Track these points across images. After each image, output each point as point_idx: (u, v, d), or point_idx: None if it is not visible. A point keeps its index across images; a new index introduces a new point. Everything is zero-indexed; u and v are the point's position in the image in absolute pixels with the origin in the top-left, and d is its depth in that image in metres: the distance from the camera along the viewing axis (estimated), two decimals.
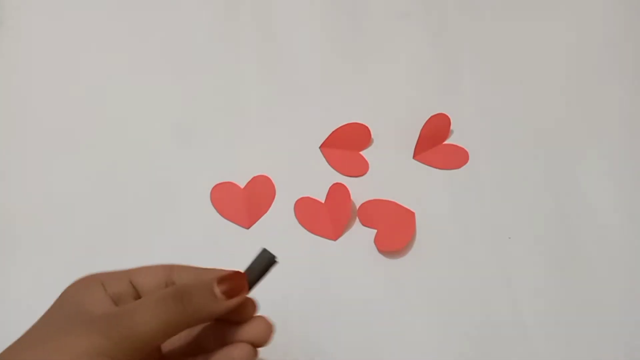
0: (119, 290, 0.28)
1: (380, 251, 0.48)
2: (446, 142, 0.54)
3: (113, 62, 0.57)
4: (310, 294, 0.46)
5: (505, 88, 0.57)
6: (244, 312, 0.30)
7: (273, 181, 0.51)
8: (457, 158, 0.53)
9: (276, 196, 0.50)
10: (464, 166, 0.52)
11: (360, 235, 0.49)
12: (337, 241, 0.49)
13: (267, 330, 0.30)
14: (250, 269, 0.29)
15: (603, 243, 0.49)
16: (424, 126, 0.53)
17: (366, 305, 0.46)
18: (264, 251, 0.29)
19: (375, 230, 0.49)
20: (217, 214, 0.49)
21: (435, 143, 0.54)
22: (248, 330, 0.30)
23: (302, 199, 0.50)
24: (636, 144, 0.54)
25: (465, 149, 0.53)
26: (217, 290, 0.28)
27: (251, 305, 0.30)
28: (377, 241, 0.48)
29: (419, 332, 0.45)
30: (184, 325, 0.27)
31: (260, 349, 0.30)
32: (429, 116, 0.53)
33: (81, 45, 0.58)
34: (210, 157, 0.52)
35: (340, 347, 0.44)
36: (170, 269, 0.30)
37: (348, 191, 0.49)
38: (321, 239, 0.48)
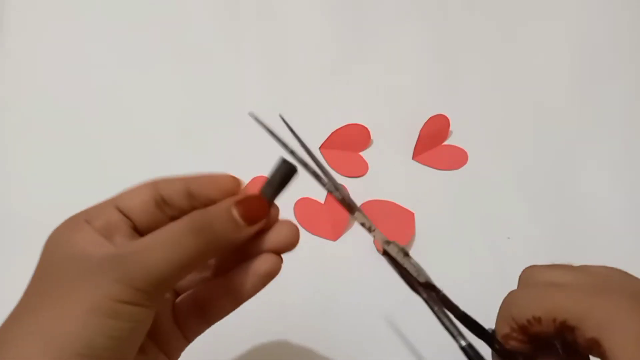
0: (107, 221, 0.25)
1: (380, 251, 0.48)
2: (445, 142, 0.54)
3: (115, 63, 0.57)
4: (310, 294, 0.46)
5: (505, 88, 0.57)
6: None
7: None
8: (456, 159, 0.53)
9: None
10: (464, 167, 0.53)
11: (360, 236, 0.49)
12: (337, 241, 0.49)
13: (293, 234, 0.28)
14: (269, 182, 0.27)
15: (603, 243, 0.49)
16: (423, 127, 0.53)
17: (366, 305, 0.46)
18: (284, 161, 0.27)
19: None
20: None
21: (434, 144, 0.54)
22: (271, 239, 0.27)
23: (301, 199, 0.50)
24: (636, 144, 0.54)
25: (465, 149, 0.53)
26: (237, 216, 0.25)
27: (273, 211, 0.28)
28: (377, 241, 0.48)
29: (419, 332, 0.45)
30: (205, 258, 0.25)
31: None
32: (429, 117, 0.53)
33: (83, 46, 0.58)
34: (210, 157, 0.52)
35: (340, 347, 0.44)
36: (154, 185, 0.27)
37: (348, 192, 0.49)
38: (321, 239, 0.48)
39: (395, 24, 0.60)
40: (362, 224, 0.27)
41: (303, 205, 0.50)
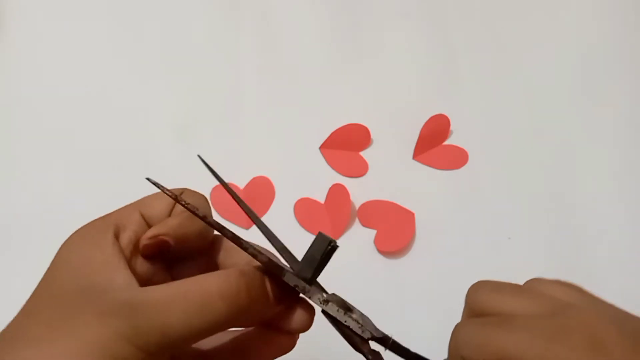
0: (133, 233, 0.24)
1: (380, 251, 0.48)
2: (446, 142, 0.54)
3: (112, 64, 0.57)
4: None
5: (505, 88, 0.57)
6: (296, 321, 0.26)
7: (273, 182, 0.51)
8: (456, 158, 0.53)
9: (276, 197, 0.50)
10: (464, 167, 0.52)
11: (360, 236, 0.49)
12: (337, 241, 0.48)
13: (309, 318, 0.26)
14: (307, 259, 0.25)
15: (603, 243, 0.49)
16: (423, 127, 0.53)
17: (366, 306, 0.45)
18: (321, 236, 0.25)
19: (375, 231, 0.49)
20: (217, 215, 0.49)
21: (434, 144, 0.53)
22: (290, 319, 0.26)
23: (301, 199, 0.50)
24: (636, 144, 0.54)
25: (465, 149, 0.53)
26: (271, 292, 0.23)
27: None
28: (377, 241, 0.48)
29: (419, 332, 0.44)
30: (229, 327, 0.23)
31: None
32: (429, 117, 0.53)
33: (81, 47, 0.58)
34: (210, 158, 0.52)
35: (340, 347, 0.44)
36: (178, 193, 0.26)
37: (348, 192, 0.49)
38: None
39: (395, 24, 0.60)
40: (295, 286, 0.24)
41: (303, 206, 0.50)
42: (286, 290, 0.24)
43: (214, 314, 0.21)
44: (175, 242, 0.24)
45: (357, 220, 0.49)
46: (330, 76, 0.57)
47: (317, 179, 0.51)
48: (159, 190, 0.25)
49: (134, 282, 0.22)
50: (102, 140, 0.53)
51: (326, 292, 0.25)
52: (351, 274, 0.47)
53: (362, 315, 0.26)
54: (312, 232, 0.49)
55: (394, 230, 0.49)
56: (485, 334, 0.22)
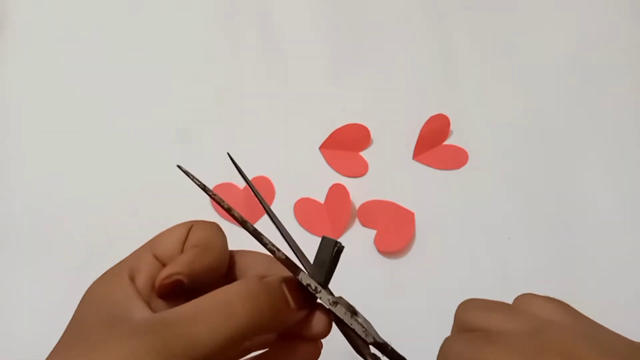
0: (147, 274, 0.24)
1: (380, 251, 0.48)
2: (446, 142, 0.54)
3: (113, 64, 0.57)
4: None
5: (505, 88, 0.57)
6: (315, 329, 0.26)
7: (272, 182, 0.51)
8: (456, 158, 0.53)
9: (276, 197, 0.50)
10: (464, 167, 0.53)
11: (360, 236, 0.49)
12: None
13: (328, 324, 0.26)
14: (317, 264, 0.26)
15: (603, 243, 0.49)
16: (423, 127, 0.53)
17: (366, 306, 0.45)
18: (327, 240, 0.26)
19: (375, 231, 0.49)
20: (217, 215, 0.49)
21: (434, 144, 0.54)
22: (310, 325, 0.26)
23: (301, 199, 0.50)
24: (636, 144, 0.54)
25: (465, 149, 0.53)
26: (288, 295, 0.24)
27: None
28: (377, 241, 0.48)
29: (419, 333, 0.44)
30: (255, 334, 0.23)
31: None
32: (429, 117, 0.53)
33: (81, 48, 0.58)
34: (210, 158, 0.52)
35: (340, 347, 0.44)
36: (188, 227, 0.26)
37: (348, 192, 0.49)
38: None
39: (395, 24, 0.60)
40: (308, 285, 0.25)
41: (303, 206, 0.50)
42: (304, 295, 0.25)
43: (237, 320, 0.21)
44: (188, 279, 0.24)
45: (357, 220, 0.49)
46: (331, 76, 0.57)
47: (317, 179, 0.51)
48: (169, 226, 0.27)
49: (145, 306, 0.23)
50: (103, 141, 0.53)
51: (333, 295, 0.26)
52: (351, 274, 0.47)
53: (365, 320, 0.27)
54: (312, 232, 0.49)
55: (394, 230, 0.49)
56: (473, 348, 0.22)
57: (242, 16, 0.60)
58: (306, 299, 0.25)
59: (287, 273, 0.26)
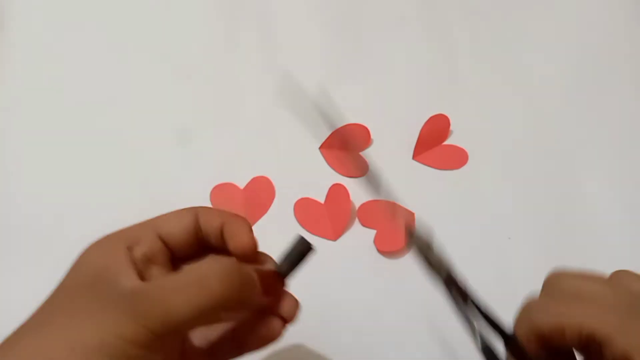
0: (147, 248, 0.25)
1: (380, 251, 0.48)
2: (446, 142, 0.54)
3: (113, 65, 0.57)
4: (309, 294, 0.46)
5: (505, 88, 0.57)
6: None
7: (273, 182, 0.51)
8: (456, 158, 0.53)
9: (276, 197, 0.50)
10: (464, 167, 0.53)
11: (360, 236, 0.49)
12: (337, 241, 0.49)
13: (295, 307, 0.29)
14: (286, 257, 0.29)
15: (603, 243, 0.49)
16: (423, 127, 0.53)
17: (366, 306, 0.45)
18: (301, 240, 0.29)
19: (375, 231, 0.49)
20: None
21: (434, 144, 0.54)
22: (278, 305, 0.29)
23: (301, 199, 0.50)
24: (636, 144, 0.54)
25: (465, 149, 0.53)
26: (258, 283, 0.26)
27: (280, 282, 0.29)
28: (377, 241, 0.48)
29: (419, 333, 0.44)
30: (224, 310, 0.24)
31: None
32: (429, 117, 0.53)
33: (82, 49, 0.58)
34: (210, 158, 0.52)
35: (340, 347, 0.44)
36: (194, 212, 0.27)
37: (348, 192, 0.49)
38: (321, 240, 0.48)
39: (395, 24, 0.60)
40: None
41: (303, 206, 0.50)
42: (272, 282, 0.28)
43: (210, 295, 0.23)
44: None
45: (357, 220, 0.49)
46: (330, 76, 0.57)
47: (317, 179, 0.51)
48: (174, 209, 0.28)
49: (136, 277, 0.24)
50: (103, 142, 0.53)
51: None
52: (351, 274, 0.47)
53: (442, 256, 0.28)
54: (312, 232, 0.49)
55: (394, 230, 0.49)
56: (564, 304, 0.24)
57: (242, 16, 0.60)
58: (275, 286, 0.28)
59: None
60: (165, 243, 0.26)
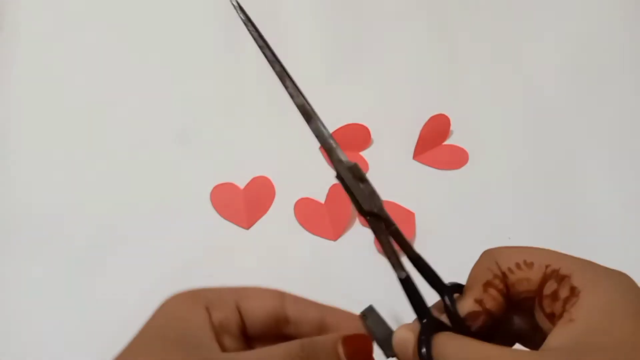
0: (224, 316, 0.25)
1: (380, 251, 0.48)
2: (446, 142, 0.54)
3: (112, 66, 0.57)
4: (310, 294, 0.46)
5: (505, 88, 0.57)
6: None
7: (273, 182, 0.51)
8: (456, 158, 0.53)
9: (276, 197, 0.50)
10: (464, 166, 0.53)
11: (360, 236, 0.49)
12: (337, 241, 0.49)
13: None
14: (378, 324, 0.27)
15: (603, 242, 0.49)
16: (423, 127, 0.53)
17: (366, 305, 0.45)
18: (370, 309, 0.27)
19: None
20: (217, 215, 0.49)
21: (435, 143, 0.54)
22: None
23: (302, 199, 0.50)
24: (636, 144, 0.54)
25: (465, 149, 0.53)
26: (342, 354, 0.25)
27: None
28: (377, 241, 0.48)
29: None
30: None
31: None
32: (429, 117, 0.53)
33: (81, 50, 0.58)
34: (211, 158, 0.52)
35: None
36: (281, 297, 0.27)
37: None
38: (321, 240, 0.48)
39: (395, 25, 0.60)
40: (317, 136, 0.27)
41: (303, 206, 0.50)
42: (365, 350, 0.25)
43: None
44: None
45: (357, 220, 0.49)
46: (331, 76, 0.57)
47: (317, 179, 0.51)
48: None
49: (213, 338, 0.24)
50: (103, 141, 0.53)
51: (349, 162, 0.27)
52: (351, 274, 0.47)
53: (371, 190, 0.27)
54: (312, 232, 0.48)
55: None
56: (530, 247, 0.25)
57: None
58: (368, 356, 0.25)
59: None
60: (242, 316, 0.26)
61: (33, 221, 0.48)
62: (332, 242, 0.48)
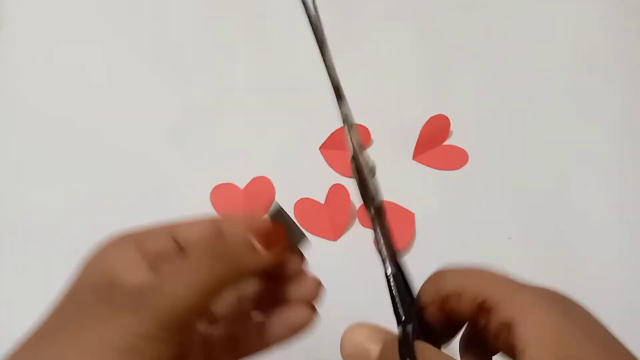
0: (160, 247, 0.25)
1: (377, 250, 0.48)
2: (446, 142, 0.54)
3: (110, 66, 0.57)
4: None
5: (505, 89, 0.57)
6: (290, 267, 0.27)
7: (273, 182, 0.51)
8: (456, 159, 0.53)
9: (276, 197, 0.50)
10: (464, 167, 0.53)
11: (360, 236, 0.49)
12: (337, 241, 0.49)
13: (316, 285, 0.28)
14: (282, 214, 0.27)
15: (602, 243, 0.49)
16: (423, 127, 0.53)
17: (366, 306, 0.45)
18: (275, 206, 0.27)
19: None
20: (217, 214, 0.49)
21: (434, 144, 0.54)
22: (299, 288, 0.27)
23: (302, 199, 0.50)
24: (633, 145, 0.54)
25: (465, 149, 0.53)
26: (255, 242, 0.25)
27: (296, 259, 0.27)
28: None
29: None
30: (223, 286, 0.24)
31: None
32: (429, 117, 0.53)
33: (80, 50, 0.58)
34: (210, 158, 0.52)
35: (339, 347, 0.44)
36: (216, 222, 0.27)
37: (348, 192, 0.49)
38: (321, 240, 0.48)
39: (395, 24, 0.60)
40: (345, 117, 0.28)
41: (303, 206, 0.50)
42: (274, 237, 0.26)
43: (205, 273, 0.23)
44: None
45: (357, 220, 0.49)
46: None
47: (317, 179, 0.51)
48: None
49: (148, 270, 0.23)
50: (100, 142, 0.53)
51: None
52: (351, 273, 0.47)
53: (379, 187, 0.29)
54: (312, 232, 0.49)
55: (394, 230, 0.49)
56: (466, 270, 0.25)
57: (239, 16, 0.60)
58: (279, 242, 0.26)
59: None
60: (180, 245, 0.26)
61: (31, 224, 0.48)
62: (332, 242, 0.48)
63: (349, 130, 0.28)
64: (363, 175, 0.28)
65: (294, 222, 0.27)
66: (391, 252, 0.27)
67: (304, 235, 0.27)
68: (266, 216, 0.27)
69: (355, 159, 0.28)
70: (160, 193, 0.50)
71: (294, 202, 0.50)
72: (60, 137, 0.52)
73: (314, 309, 0.28)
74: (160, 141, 0.53)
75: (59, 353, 0.21)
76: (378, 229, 0.28)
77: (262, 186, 0.51)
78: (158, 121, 0.54)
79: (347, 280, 0.47)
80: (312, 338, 0.44)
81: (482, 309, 0.23)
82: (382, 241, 0.28)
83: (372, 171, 0.29)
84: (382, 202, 0.28)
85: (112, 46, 0.58)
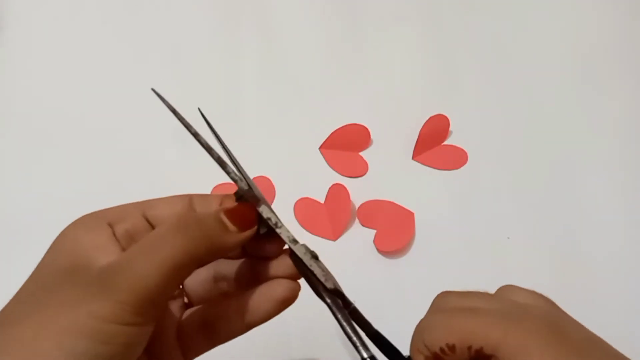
0: (130, 226, 0.24)
1: (380, 251, 0.48)
2: (445, 142, 0.54)
3: (112, 66, 0.57)
4: (309, 294, 0.46)
5: (505, 88, 0.57)
6: (269, 247, 0.27)
7: (273, 182, 0.51)
8: (456, 159, 0.53)
9: (276, 197, 0.50)
10: (463, 167, 0.53)
11: (360, 236, 0.49)
12: (337, 241, 0.49)
13: (279, 248, 0.27)
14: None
15: (602, 242, 0.49)
16: (423, 127, 0.53)
17: (366, 306, 0.45)
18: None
19: (375, 231, 0.49)
20: None
21: (434, 144, 0.54)
22: (279, 265, 0.27)
23: (301, 199, 0.50)
24: (635, 145, 0.54)
25: (465, 149, 0.53)
26: (226, 220, 0.24)
27: (275, 240, 0.27)
28: (377, 241, 0.48)
29: None
30: (194, 264, 0.23)
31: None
32: (428, 117, 0.53)
33: (81, 49, 0.58)
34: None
35: (340, 348, 0.44)
36: (188, 199, 0.26)
37: (347, 192, 0.49)
38: (321, 239, 0.48)
39: (395, 25, 0.60)
40: (268, 219, 0.26)
41: (303, 206, 0.50)
42: (246, 218, 0.25)
43: (172, 251, 0.22)
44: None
45: (357, 220, 0.49)
46: (331, 76, 0.57)
47: (317, 179, 0.51)
48: (164, 195, 0.27)
49: (119, 249, 0.23)
50: (101, 140, 0.53)
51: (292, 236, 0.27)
52: (351, 273, 0.47)
53: (326, 268, 0.27)
54: (312, 232, 0.49)
55: (394, 230, 0.49)
56: (450, 318, 0.23)
57: (243, 16, 0.60)
58: (249, 221, 0.26)
59: None
60: (151, 224, 0.25)
61: (33, 221, 0.48)
62: (332, 242, 0.49)
63: (278, 228, 0.27)
64: (303, 265, 0.26)
65: (265, 205, 0.26)
66: (359, 337, 0.26)
67: (269, 217, 0.27)
68: (233, 195, 0.26)
69: (291, 250, 0.26)
70: (161, 193, 0.50)
71: (294, 201, 0.50)
72: (62, 137, 0.53)
73: (296, 282, 0.27)
74: (160, 141, 0.53)
75: (20, 336, 0.20)
76: (339, 316, 0.26)
77: (262, 186, 0.51)
78: (157, 121, 0.54)
79: (346, 280, 0.47)
80: (312, 338, 0.44)
81: (482, 357, 0.22)
82: (348, 329, 0.26)
83: (314, 255, 0.27)
84: (337, 283, 0.27)
85: (115, 46, 0.58)
